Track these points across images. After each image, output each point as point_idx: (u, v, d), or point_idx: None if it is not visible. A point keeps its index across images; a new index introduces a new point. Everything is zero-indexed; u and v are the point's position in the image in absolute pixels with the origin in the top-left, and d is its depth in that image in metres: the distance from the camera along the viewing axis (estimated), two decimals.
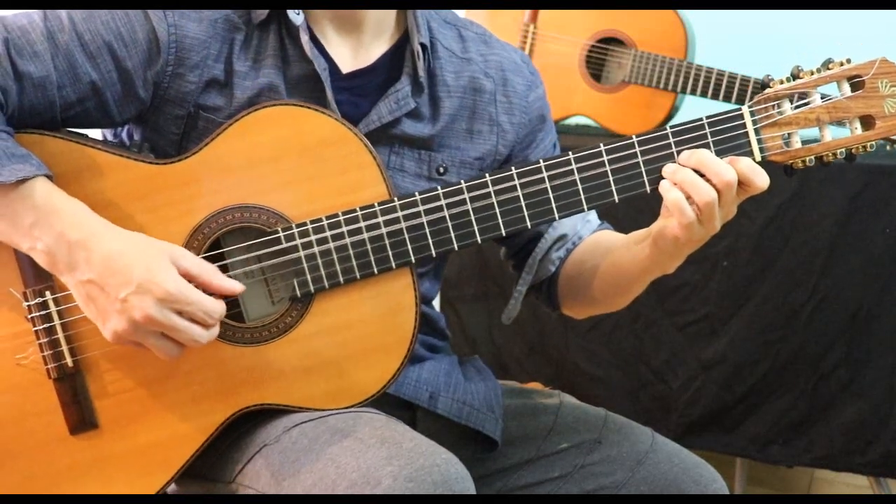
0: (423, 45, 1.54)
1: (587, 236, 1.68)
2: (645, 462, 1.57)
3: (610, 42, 2.76)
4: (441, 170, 1.57)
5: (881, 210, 2.47)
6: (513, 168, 1.44)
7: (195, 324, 1.36)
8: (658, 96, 2.68)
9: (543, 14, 2.79)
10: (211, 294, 1.38)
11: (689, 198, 1.40)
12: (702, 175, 1.39)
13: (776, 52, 2.76)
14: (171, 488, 1.55)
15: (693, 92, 2.60)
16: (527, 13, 2.80)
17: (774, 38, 2.98)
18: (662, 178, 1.42)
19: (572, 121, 2.86)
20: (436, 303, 2.49)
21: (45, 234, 1.36)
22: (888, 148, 2.48)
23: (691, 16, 2.77)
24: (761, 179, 1.40)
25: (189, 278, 1.37)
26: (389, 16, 1.56)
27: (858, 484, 2.97)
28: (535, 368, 2.77)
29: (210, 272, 1.39)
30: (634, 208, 2.58)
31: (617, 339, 2.68)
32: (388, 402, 1.52)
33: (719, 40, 2.83)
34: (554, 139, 1.71)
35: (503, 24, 2.79)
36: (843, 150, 1.44)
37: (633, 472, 1.56)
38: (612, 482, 1.56)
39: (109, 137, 1.60)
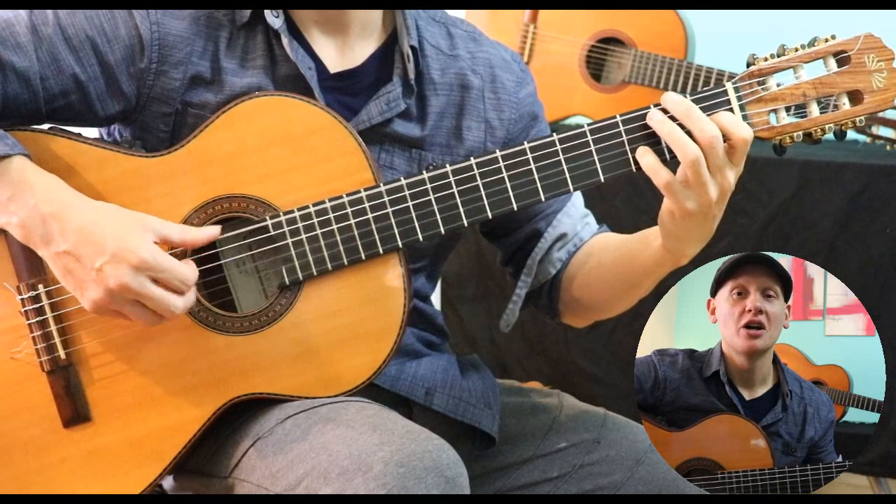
0: (413, 48, 1.54)
1: (588, 238, 1.66)
2: (644, 462, 1.56)
3: (610, 42, 2.76)
4: (431, 169, 1.57)
5: (881, 210, 2.46)
6: (497, 151, 1.44)
7: (170, 292, 1.37)
8: (658, 96, 2.65)
9: (543, 14, 2.79)
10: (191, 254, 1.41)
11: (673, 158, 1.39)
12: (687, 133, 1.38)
13: None
14: (170, 484, 1.56)
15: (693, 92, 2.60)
16: (527, 13, 2.79)
17: (774, 38, 2.96)
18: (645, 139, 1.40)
19: (572, 121, 2.85)
20: (436, 301, 2.48)
21: (20, 208, 1.37)
22: (888, 148, 2.50)
23: (691, 16, 2.76)
24: (743, 130, 1.38)
25: (165, 243, 1.39)
26: (375, 17, 1.56)
27: (858, 484, 2.96)
28: (535, 368, 2.77)
29: (187, 234, 1.40)
30: (635, 208, 2.58)
31: (617, 339, 2.67)
32: (385, 397, 1.52)
33: (719, 40, 2.83)
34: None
35: (503, 24, 2.79)
36: (832, 125, 1.42)
37: (631, 472, 1.56)
38: (611, 482, 1.56)
39: (105, 137, 1.60)
